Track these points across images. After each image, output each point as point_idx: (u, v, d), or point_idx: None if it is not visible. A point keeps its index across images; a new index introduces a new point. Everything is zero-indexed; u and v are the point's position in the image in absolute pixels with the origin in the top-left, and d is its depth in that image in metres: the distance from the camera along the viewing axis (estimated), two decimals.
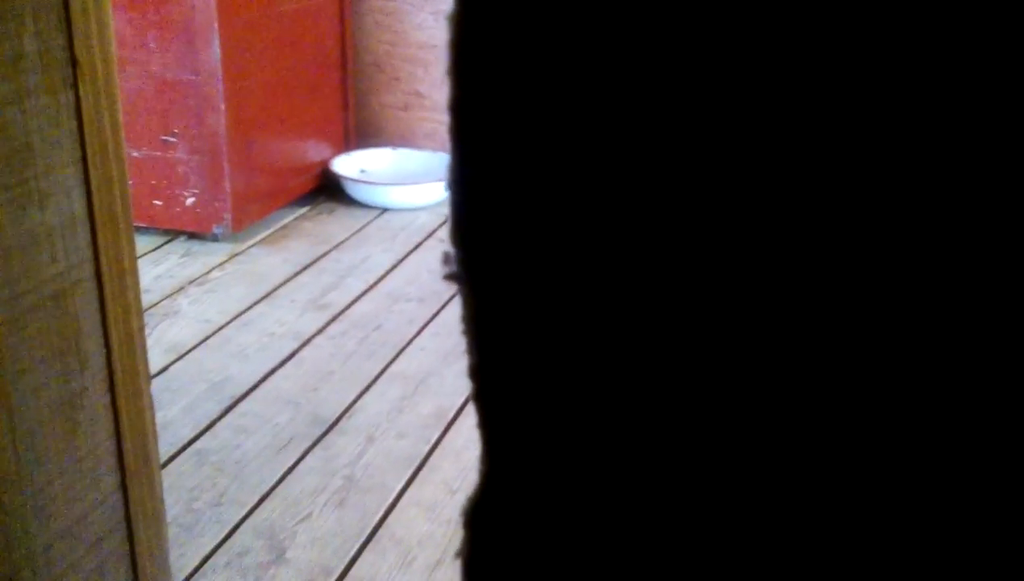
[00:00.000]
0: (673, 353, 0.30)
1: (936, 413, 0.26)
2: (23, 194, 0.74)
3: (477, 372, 0.35)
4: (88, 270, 0.80)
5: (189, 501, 1.55)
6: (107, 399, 0.84)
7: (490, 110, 0.31)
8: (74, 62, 0.76)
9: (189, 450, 1.68)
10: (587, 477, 0.33)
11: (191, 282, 2.33)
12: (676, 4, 0.26)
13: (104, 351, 0.83)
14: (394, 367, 1.97)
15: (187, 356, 1.99)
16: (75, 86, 0.77)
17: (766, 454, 0.29)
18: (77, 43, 0.76)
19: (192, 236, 2.54)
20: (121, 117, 0.82)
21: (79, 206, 0.79)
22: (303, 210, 2.78)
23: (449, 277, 0.35)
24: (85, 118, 0.78)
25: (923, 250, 0.25)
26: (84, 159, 0.78)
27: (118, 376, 0.84)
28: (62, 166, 0.77)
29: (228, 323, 2.14)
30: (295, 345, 2.04)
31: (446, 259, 0.35)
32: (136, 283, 0.87)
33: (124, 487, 0.86)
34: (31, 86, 0.74)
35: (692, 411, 0.30)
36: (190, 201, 2.49)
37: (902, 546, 0.28)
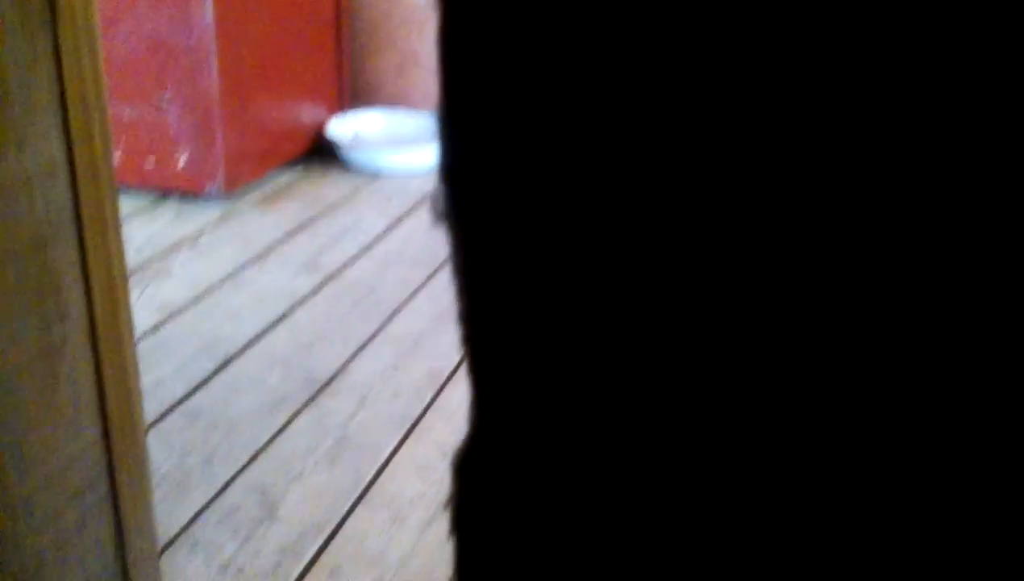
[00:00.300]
0: (662, 304, 0.29)
1: (936, 413, 0.26)
2: None
3: (466, 316, 0.35)
4: (68, 217, 0.78)
5: (181, 458, 1.54)
6: (88, 349, 0.83)
7: (479, 38, 0.30)
8: (52, 3, 0.74)
9: (180, 408, 1.67)
10: (576, 423, 0.32)
11: (183, 242, 2.32)
12: None
13: (85, 301, 0.81)
14: (388, 329, 1.96)
15: (179, 316, 1.98)
16: (54, 28, 0.75)
17: (750, 432, 0.28)
18: None
19: (184, 196, 2.52)
20: (102, 61, 0.80)
21: (59, 152, 0.77)
22: (296, 172, 2.76)
23: (437, 216, 0.34)
24: (64, 61, 0.76)
25: (923, 250, 0.25)
26: (63, 104, 0.76)
27: (100, 326, 0.83)
28: (40, 110, 0.75)
29: (220, 283, 2.12)
30: (288, 306, 2.03)
31: (433, 198, 0.34)
32: (118, 233, 0.86)
33: (107, 438, 0.85)
34: (7, 27, 0.72)
35: (681, 365, 0.29)
36: (183, 161, 2.47)
37: (902, 546, 0.27)
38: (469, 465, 0.36)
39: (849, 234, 0.25)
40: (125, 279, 0.88)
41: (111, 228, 0.85)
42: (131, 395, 0.90)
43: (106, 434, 0.85)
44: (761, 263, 0.26)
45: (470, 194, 0.32)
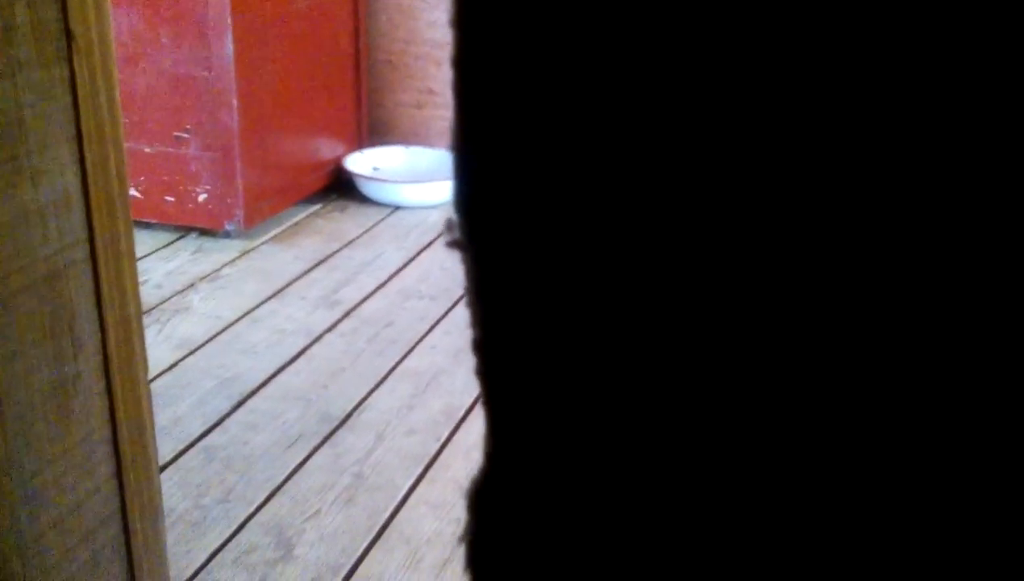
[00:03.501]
0: (675, 335, 0.29)
1: (936, 413, 0.26)
2: (14, 171, 0.71)
3: (481, 346, 0.35)
4: (82, 251, 0.77)
5: (197, 497, 1.53)
6: (102, 385, 0.81)
7: (495, 63, 0.29)
8: (68, 34, 0.74)
9: (198, 446, 1.66)
10: (593, 455, 0.32)
11: (202, 278, 2.32)
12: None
13: (99, 335, 0.80)
14: (405, 364, 1.94)
15: (197, 352, 1.98)
16: (69, 60, 0.74)
17: (762, 437, 0.28)
18: (72, 15, 0.74)
19: (204, 232, 2.52)
20: (118, 93, 0.79)
21: (73, 185, 0.76)
22: (315, 207, 2.77)
23: (452, 244, 0.34)
24: (80, 93, 0.75)
25: (923, 250, 0.25)
26: (79, 136, 0.75)
27: (113, 362, 0.81)
28: (56, 143, 0.74)
29: (239, 319, 2.12)
30: (305, 342, 2.02)
31: (449, 226, 0.34)
32: (133, 267, 0.85)
33: (119, 476, 0.84)
34: (23, 59, 0.71)
35: (694, 397, 0.29)
36: (202, 197, 2.48)
37: (902, 546, 0.27)
38: (485, 497, 0.36)
39: (849, 234, 0.25)
40: (140, 313, 0.86)
41: (126, 261, 0.84)
42: (145, 432, 0.89)
43: (119, 472, 0.83)
44: (768, 270, 0.27)
45: (486, 222, 0.32)
